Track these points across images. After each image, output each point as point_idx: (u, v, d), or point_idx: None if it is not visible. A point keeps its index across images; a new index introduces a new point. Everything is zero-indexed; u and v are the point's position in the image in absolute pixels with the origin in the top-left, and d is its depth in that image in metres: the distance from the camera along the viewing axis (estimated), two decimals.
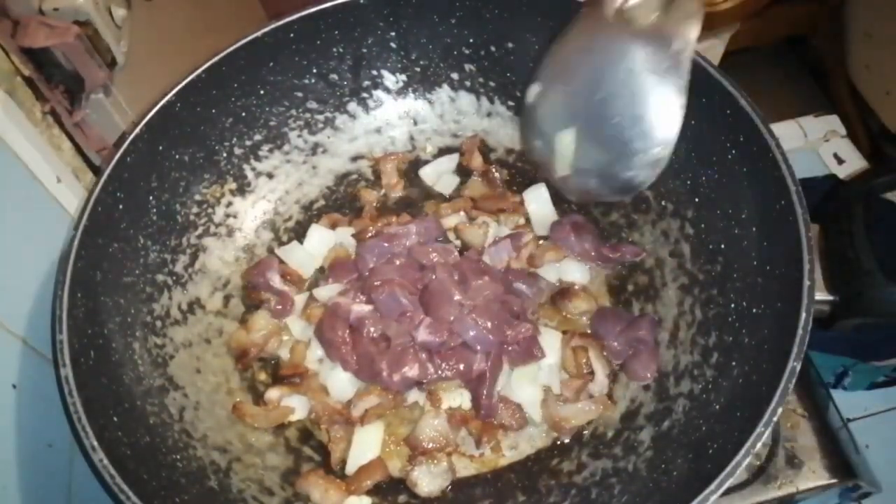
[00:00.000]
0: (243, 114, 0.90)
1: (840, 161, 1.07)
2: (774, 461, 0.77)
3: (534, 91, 0.79)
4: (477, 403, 0.77)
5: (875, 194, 0.77)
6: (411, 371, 0.77)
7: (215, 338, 0.85)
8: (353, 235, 0.89)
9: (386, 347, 0.79)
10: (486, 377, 0.77)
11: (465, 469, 0.77)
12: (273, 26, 0.86)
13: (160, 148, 0.83)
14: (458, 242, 0.90)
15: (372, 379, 0.78)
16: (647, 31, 0.68)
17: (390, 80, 0.96)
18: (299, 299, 0.86)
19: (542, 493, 0.75)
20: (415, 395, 0.80)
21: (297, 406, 0.80)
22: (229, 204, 0.92)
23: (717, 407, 0.71)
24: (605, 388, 0.79)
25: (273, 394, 0.81)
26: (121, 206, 0.79)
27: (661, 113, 0.68)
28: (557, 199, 0.91)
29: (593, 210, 0.91)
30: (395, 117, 0.98)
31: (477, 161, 0.95)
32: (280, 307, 0.85)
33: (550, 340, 0.81)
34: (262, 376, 0.84)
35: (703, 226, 0.82)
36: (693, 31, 0.67)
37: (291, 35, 0.87)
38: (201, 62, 0.83)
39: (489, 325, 0.78)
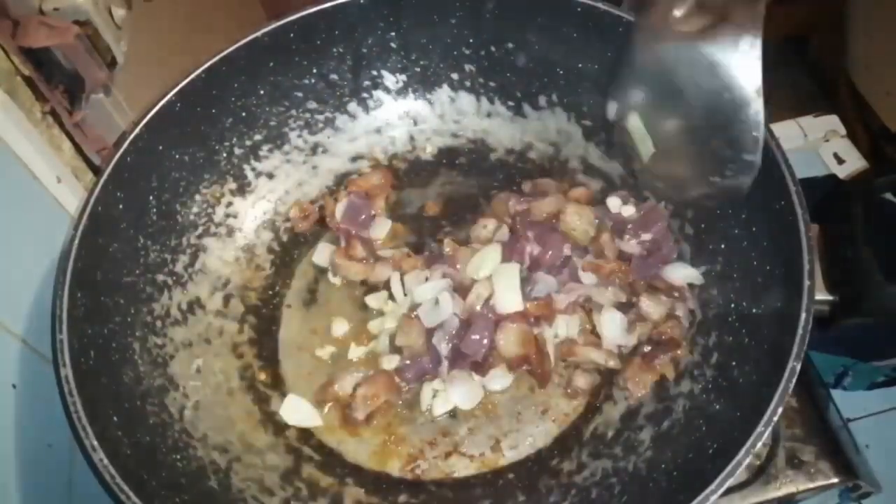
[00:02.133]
0: (243, 114, 0.90)
1: (840, 161, 1.07)
2: (774, 461, 0.77)
3: (612, 109, 0.81)
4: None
5: (875, 194, 0.77)
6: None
7: (215, 338, 0.85)
8: None
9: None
10: None
11: (465, 469, 0.77)
12: (273, 26, 0.86)
13: (160, 148, 0.83)
14: None
15: None
16: (710, 35, 0.67)
17: (390, 80, 0.96)
18: None
19: (542, 493, 0.75)
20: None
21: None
22: (229, 204, 0.91)
23: (717, 407, 0.71)
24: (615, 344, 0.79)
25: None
26: (121, 206, 0.79)
27: (741, 117, 0.66)
28: None
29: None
30: (395, 117, 0.98)
31: None
32: None
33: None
34: (263, 376, 0.84)
35: (703, 226, 0.82)
36: (758, 16, 0.65)
37: (291, 35, 0.87)
38: (201, 62, 0.83)
39: None
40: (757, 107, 0.65)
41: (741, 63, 0.65)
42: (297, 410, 0.81)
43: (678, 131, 0.72)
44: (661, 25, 0.70)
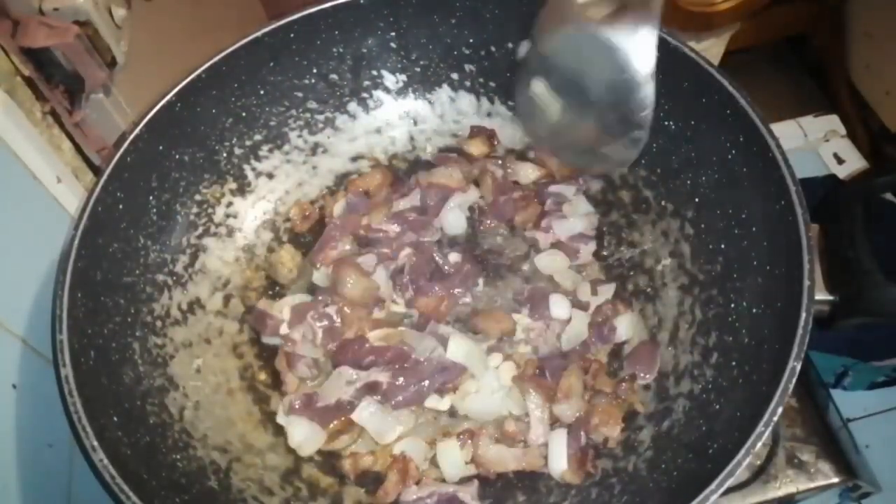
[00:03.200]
0: (243, 114, 0.90)
1: (840, 161, 1.07)
2: (774, 461, 0.77)
3: (523, 49, 0.83)
4: None
5: (875, 194, 0.78)
6: None
7: (215, 338, 0.85)
8: None
9: None
10: None
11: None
12: (273, 26, 0.86)
13: (160, 148, 0.83)
14: None
15: None
16: (611, 20, 0.70)
17: (390, 80, 0.96)
18: None
19: (542, 493, 0.75)
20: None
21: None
22: (229, 204, 0.91)
23: (717, 407, 0.71)
24: (540, 439, 0.76)
25: None
26: (121, 206, 0.79)
27: (633, 98, 0.70)
28: None
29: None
30: (395, 117, 0.98)
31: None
32: None
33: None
34: (262, 376, 0.84)
35: (703, 226, 0.82)
36: (655, 7, 0.69)
37: (291, 35, 0.87)
38: (201, 62, 0.83)
39: None
40: (647, 90, 0.69)
41: (637, 49, 0.69)
42: (303, 436, 0.79)
43: (578, 104, 0.76)
44: (567, 8, 0.74)
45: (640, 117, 0.71)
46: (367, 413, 0.77)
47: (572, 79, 0.76)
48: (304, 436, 0.78)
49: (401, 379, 0.77)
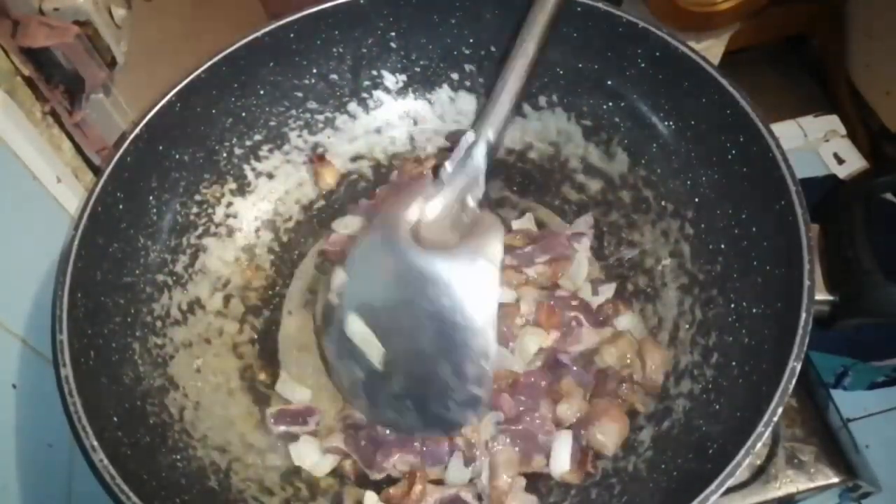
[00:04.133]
0: (243, 114, 0.90)
1: (840, 161, 1.07)
2: (774, 461, 0.77)
3: (338, 279, 0.71)
4: None
5: (875, 194, 0.77)
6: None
7: (215, 338, 0.85)
8: None
9: None
10: None
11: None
12: (273, 26, 0.86)
13: (160, 148, 0.83)
14: None
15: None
16: (448, 253, 0.62)
17: (390, 80, 0.96)
18: None
19: (542, 493, 0.75)
20: None
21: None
22: (229, 204, 0.91)
23: (717, 407, 0.71)
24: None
25: None
26: (121, 206, 0.79)
27: (469, 345, 0.61)
28: None
29: (592, 209, 0.90)
30: (395, 117, 0.98)
31: None
32: None
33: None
34: (262, 376, 0.84)
35: (703, 226, 0.82)
36: (496, 247, 0.61)
37: (291, 35, 0.87)
38: (201, 62, 0.83)
39: None
40: (487, 337, 0.61)
41: (476, 288, 0.60)
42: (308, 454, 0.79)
43: (405, 350, 0.65)
44: (400, 226, 0.64)
45: (476, 369, 0.61)
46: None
47: (398, 319, 0.64)
48: (317, 456, 0.78)
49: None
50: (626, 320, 0.82)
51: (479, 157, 0.68)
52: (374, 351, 0.67)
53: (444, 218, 0.66)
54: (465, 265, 0.61)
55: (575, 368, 0.77)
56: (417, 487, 0.72)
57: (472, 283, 0.60)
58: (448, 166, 0.68)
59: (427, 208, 0.65)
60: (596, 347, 0.79)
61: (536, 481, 0.75)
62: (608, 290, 0.84)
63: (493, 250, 0.61)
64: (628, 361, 0.76)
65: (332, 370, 0.77)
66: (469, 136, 0.71)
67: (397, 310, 0.64)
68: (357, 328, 0.67)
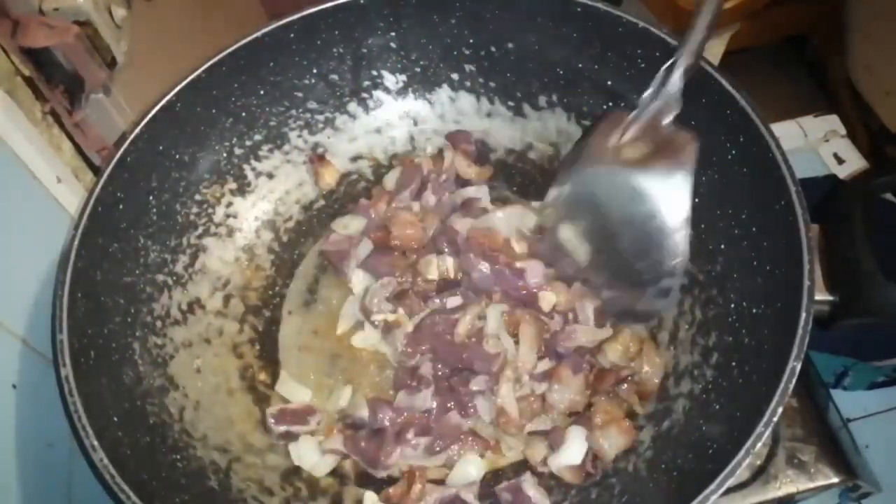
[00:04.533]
0: (243, 114, 0.90)
1: (840, 161, 1.07)
2: (774, 461, 0.77)
3: (552, 194, 0.83)
4: None
5: (875, 194, 0.78)
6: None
7: (215, 338, 0.85)
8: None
9: None
10: None
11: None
12: (273, 26, 0.86)
13: (160, 148, 0.83)
14: None
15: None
16: (646, 166, 0.72)
17: (390, 80, 0.96)
18: None
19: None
20: None
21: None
22: (229, 204, 0.91)
23: (717, 407, 0.71)
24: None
25: None
26: (121, 206, 0.79)
27: (665, 245, 0.71)
28: None
29: None
30: (396, 117, 0.98)
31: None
32: None
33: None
34: (262, 376, 0.84)
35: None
36: (690, 158, 0.70)
37: (291, 35, 0.87)
38: (201, 62, 0.83)
39: None
40: (679, 237, 0.70)
41: (671, 195, 0.70)
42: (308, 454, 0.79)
43: (608, 249, 0.76)
44: (603, 148, 0.75)
45: (670, 266, 0.71)
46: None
47: (601, 223, 0.75)
48: (317, 457, 0.78)
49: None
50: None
51: (677, 79, 0.73)
52: (581, 253, 0.79)
53: (642, 138, 0.74)
54: (661, 177, 0.70)
55: (568, 357, 0.78)
56: (417, 486, 0.73)
57: (667, 193, 0.70)
58: (647, 93, 0.75)
59: (628, 132, 0.75)
60: (598, 346, 0.79)
61: (537, 481, 0.75)
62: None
63: (685, 163, 0.70)
64: (632, 354, 0.78)
65: (553, 265, 0.84)
66: (666, 66, 0.75)
67: (602, 217, 0.75)
68: (567, 234, 0.79)
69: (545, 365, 0.79)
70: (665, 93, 0.73)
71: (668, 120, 0.74)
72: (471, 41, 0.92)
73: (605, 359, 0.78)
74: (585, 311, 0.81)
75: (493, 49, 0.92)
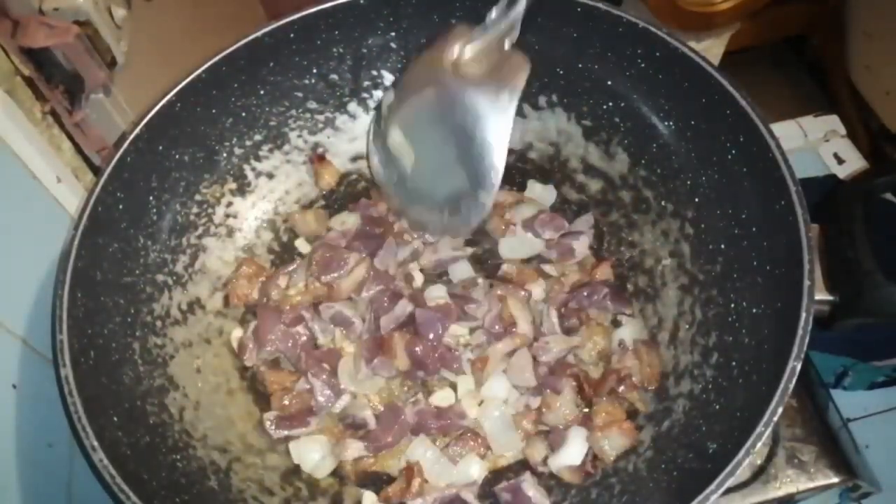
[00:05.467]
0: (243, 114, 0.90)
1: (840, 161, 1.07)
2: (774, 461, 0.77)
3: (387, 100, 0.85)
4: None
5: (875, 194, 0.77)
6: None
7: (215, 338, 0.85)
8: None
9: None
10: None
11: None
12: (273, 26, 0.86)
13: (160, 148, 0.83)
14: None
15: None
16: (478, 82, 0.74)
17: (390, 80, 0.96)
18: None
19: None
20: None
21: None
22: (229, 204, 0.91)
23: (717, 407, 0.71)
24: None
25: None
26: (121, 206, 0.79)
27: (485, 159, 0.73)
28: None
29: (592, 209, 0.91)
30: None
31: None
32: None
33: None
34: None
35: (703, 226, 0.82)
36: (521, 80, 0.73)
37: (291, 35, 0.87)
38: (201, 62, 0.83)
39: None
40: (498, 156, 0.72)
41: (496, 114, 0.72)
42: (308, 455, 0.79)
43: (432, 158, 0.79)
44: (441, 59, 0.77)
45: (487, 182, 0.74)
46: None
47: (429, 132, 0.78)
48: (318, 458, 0.78)
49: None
50: (627, 322, 0.83)
51: (522, 4, 0.73)
52: (406, 158, 0.81)
53: (481, 55, 0.76)
54: (491, 93, 0.72)
55: (548, 377, 0.79)
56: (416, 481, 0.73)
57: (493, 109, 0.72)
58: (493, 12, 0.76)
59: (468, 47, 0.77)
60: (569, 351, 0.81)
61: (537, 480, 0.75)
62: None
63: (515, 84, 0.72)
64: (601, 346, 0.81)
65: (374, 171, 0.91)
66: None
67: (431, 126, 0.78)
68: (396, 138, 0.81)
69: (534, 380, 0.79)
70: (511, 15, 0.74)
71: (509, 44, 0.75)
72: None
73: (584, 363, 0.80)
74: (550, 318, 0.82)
75: None
